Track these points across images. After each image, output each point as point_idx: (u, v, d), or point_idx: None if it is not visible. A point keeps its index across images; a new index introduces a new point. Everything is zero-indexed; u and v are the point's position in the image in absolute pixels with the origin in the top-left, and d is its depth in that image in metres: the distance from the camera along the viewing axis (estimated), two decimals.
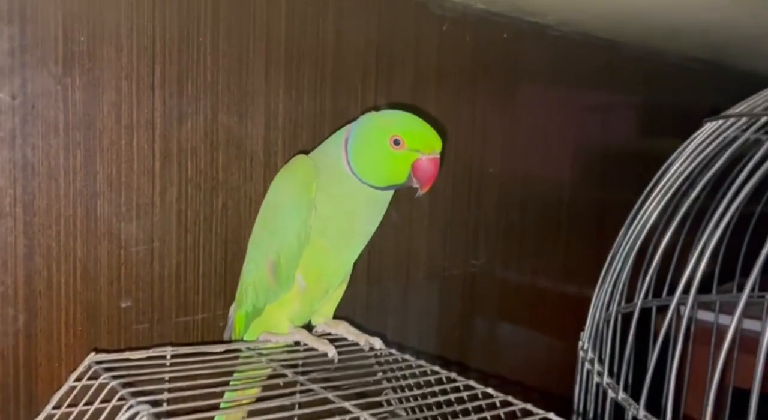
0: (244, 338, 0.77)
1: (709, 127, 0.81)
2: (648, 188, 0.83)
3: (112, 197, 0.73)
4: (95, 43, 0.70)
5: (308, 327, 0.78)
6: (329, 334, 0.78)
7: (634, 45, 1.40)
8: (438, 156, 0.68)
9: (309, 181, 0.70)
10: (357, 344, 0.75)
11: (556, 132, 1.30)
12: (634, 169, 1.33)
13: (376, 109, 0.72)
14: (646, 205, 0.82)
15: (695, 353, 1.15)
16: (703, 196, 0.75)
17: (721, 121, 0.79)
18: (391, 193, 0.72)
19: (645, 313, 0.93)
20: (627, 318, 0.83)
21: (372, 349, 0.74)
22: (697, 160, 0.78)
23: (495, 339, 1.23)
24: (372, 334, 0.77)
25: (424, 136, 0.68)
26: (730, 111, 0.80)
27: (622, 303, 0.86)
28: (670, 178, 0.80)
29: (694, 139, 0.83)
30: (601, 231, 1.35)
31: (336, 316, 0.80)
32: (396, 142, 0.67)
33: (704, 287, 1.14)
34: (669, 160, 0.83)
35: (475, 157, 1.15)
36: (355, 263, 0.78)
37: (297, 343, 0.73)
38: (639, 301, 0.77)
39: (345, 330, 0.77)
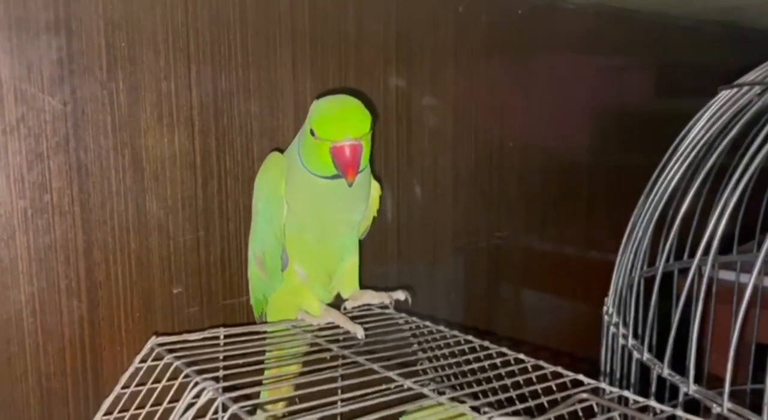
0: (268, 320, 0.81)
1: (724, 94, 0.84)
2: (666, 155, 0.85)
3: (159, 192, 0.78)
4: (135, 48, 0.74)
5: (336, 306, 0.82)
6: (360, 306, 0.80)
7: (648, 12, 1.41)
8: (349, 142, 0.64)
9: (278, 178, 0.71)
10: (393, 318, 0.80)
11: (573, 104, 1.33)
12: (651, 136, 1.35)
13: (318, 96, 0.72)
14: (666, 171, 0.85)
15: (717, 312, 1.18)
16: (721, 160, 0.78)
17: (735, 90, 0.81)
18: (360, 180, 0.69)
19: (668, 276, 0.97)
20: (650, 282, 0.86)
21: (407, 321, 0.79)
22: (714, 127, 0.81)
23: (521, 307, 1.27)
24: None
25: (332, 122, 0.65)
26: (744, 79, 0.82)
27: (645, 267, 0.89)
28: (688, 146, 0.83)
29: (710, 106, 0.85)
30: (621, 198, 1.37)
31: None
32: (312, 133, 0.66)
33: (725, 248, 1.17)
34: (686, 128, 0.86)
35: (495, 133, 1.18)
36: (362, 242, 0.81)
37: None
38: (661, 265, 0.80)
39: (370, 297, 0.78)
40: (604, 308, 0.93)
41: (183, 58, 0.78)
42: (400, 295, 0.77)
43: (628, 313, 0.89)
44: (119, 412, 0.67)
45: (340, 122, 0.65)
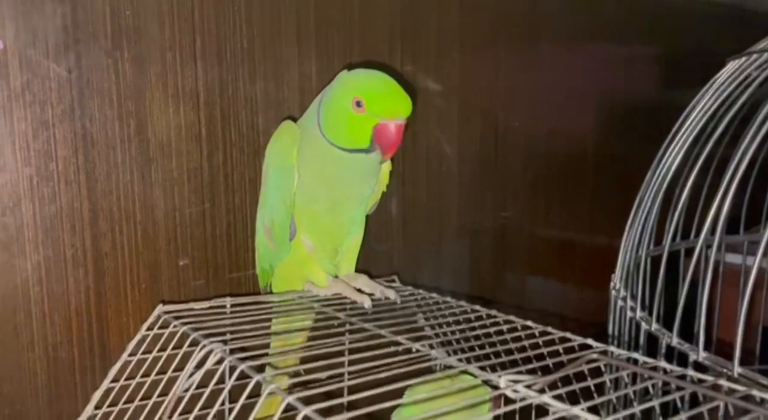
0: (273, 290, 0.81)
1: (731, 65, 0.83)
2: (674, 129, 0.85)
3: (164, 163, 0.78)
4: (140, 18, 0.74)
5: None
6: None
7: None
8: (402, 122, 0.64)
9: (289, 147, 0.70)
10: (399, 289, 0.80)
11: (579, 83, 1.32)
12: (658, 117, 1.34)
13: (350, 67, 0.71)
14: (672, 145, 0.84)
15: (724, 295, 1.17)
16: (730, 135, 0.77)
17: (743, 59, 0.80)
18: (369, 157, 0.69)
19: (675, 253, 0.97)
20: (657, 259, 0.85)
21: (413, 293, 0.79)
22: (721, 99, 0.80)
23: (526, 288, 1.27)
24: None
25: (388, 99, 0.64)
26: (753, 48, 0.82)
27: (651, 245, 0.89)
28: (694, 119, 0.82)
29: (718, 78, 0.85)
30: (628, 178, 1.37)
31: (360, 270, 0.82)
32: (358, 104, 0.64)
33: (733, 232, 1.16)
34: (693, 101, 0.85)
35: (500, 112, 1.18)
36: (367, 220, 0.80)
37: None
38: (667, 245, 0.80)
39: (363, 283, 0.77)
40: (611, 283, 0.93)
41: (188, 29, 0.77)
42: (391, 294, 0.75)
43: (635, 287, 0.88)
44: (126, 379, 0.67)
45: (395, 101, 0.64)
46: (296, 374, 0.61)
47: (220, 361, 0.55)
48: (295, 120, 0.75)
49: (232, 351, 0.57)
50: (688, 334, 0.78)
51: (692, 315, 0.73)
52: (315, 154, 0.70)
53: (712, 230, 0.70)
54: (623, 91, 1.44)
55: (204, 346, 0.58)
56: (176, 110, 0.78)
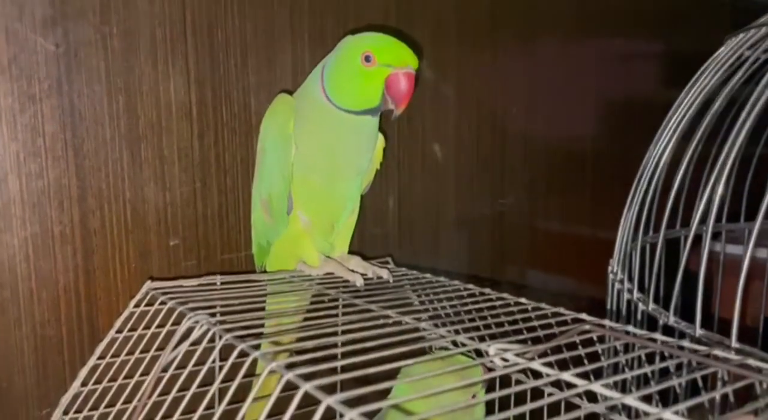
0: (268, 270, 0.80)
1: (729, 43, 0.82)
2: (670, 112, 0.84)
3: (154, 141, 0.77)
4: None
5: None
6: None
7: None
8: (412, 71, 0.66)
9: (285, 119, 0.70)
10: (392, 270, 0.79)
11: (579, 74, 1.31)
12: (658, 109, 1.33)
13: (353, 32, 0.71)
14: (666, 130, 0.84)
15: (725, 286, 1.16)
16: (726, 119, 0.76)
17: (741, 35, 0.79)
18: (373, 122, 0.71)
19: (676, 241, 0.96)
20: (656, 244, 0.84)
21: (405, 274, 0.78)
22: (716, 78, 0.79)
23: (525, 274, 1.25)
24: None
25: (396, 50, 0.66)
26: (751, 25, 0.81)
27: (651, 230, 0.88)
28: (687, 102, 0.82)
29: (716, 57, 0.84)
30: (627, 163, 1.35)
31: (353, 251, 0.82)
32: (367, 59, 0.65)
33: (735, 221, 1.15)
34: (690, 82, 0.84)
35: (498, 100, 1.17)
36: (362, 201, 0.79)
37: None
38: (662, 233, 0.79)
39: (356, 264, 0.77)
40: (609, 268, 0.91)
41: (178, 5, 0.77)
42: (384, 273, 0.75)
43: (632, 272, 0.87)
44: (112, 356, 0.66)
45: (404, 50, 0.66)
46: (291, 352, 0.60)
47: (206, 335, 0.55)
48: (290, 94, 0.74)
49: (220, 323, 0.56)
50: (686, 319, 0.77)
51: (693, 303, 0.72)
52: (316, 121, 0.70)
53: (711, 216, 0.70)
54: (624, 84, 1.43)
55: (189, 318, 0.57)
56: (166, 88, 0.77)
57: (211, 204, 0.82)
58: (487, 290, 0.70)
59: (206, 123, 0.81)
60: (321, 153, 0.71)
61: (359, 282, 0.72)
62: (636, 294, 0.82)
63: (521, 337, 0.54)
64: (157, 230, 0.78)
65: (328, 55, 0.71)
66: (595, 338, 0.55)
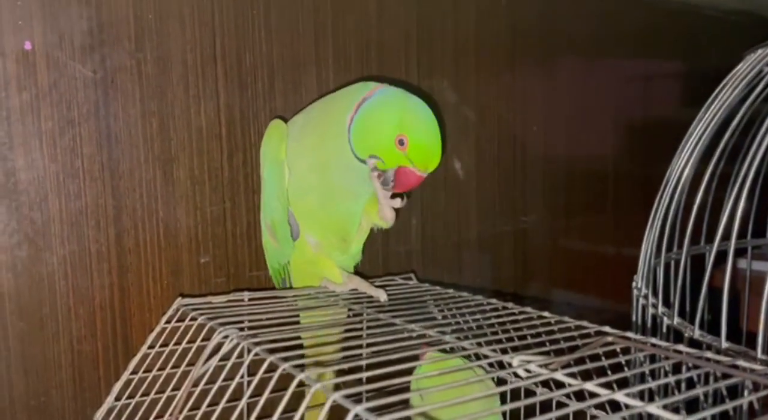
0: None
1: (748, 59, 0.83)
2: (689, 130, 0.85)
3: (185, 162, 0.79)
4: (162, 20, 0.76)
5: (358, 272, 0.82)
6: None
7: (672, 1, 1.40)
8: (424, 174, 0.67)
9: (277, 143, 0.72)
10: (416, 287, 0.80)
11: (598, 91, 1.32)
12: (680, 127, 1.34)
13: (379, 79, 0.72)
14: (686, 146, 0.84)
15: (752, 303, 1.15)
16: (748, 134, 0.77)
17: (759, 51, 0.80)
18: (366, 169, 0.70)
19: (701, 257, 0.95)
20: (679, 260, 0.84)
21: (428, 289, 0.79)
22: (736, 92, 0.80)
23: (548, 291, 1.25)
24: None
25: (429, 154, 0.66)
26: None
27: (674, 248, 0.88)
28: (707, 118, 0.82)
29: (735, 73, 0.84)
30: (650, 181, 1.35)
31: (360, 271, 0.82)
32: (401, 142, 0.66)
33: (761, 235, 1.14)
34: (710, 99, 0.85)
35: (518, 118, 1.18)
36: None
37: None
38: (686, 247, 0.79)
39: (357, 283, 0.77)
40: (633, 283, 0.92)
41: (208, 31, 0.80)
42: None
43: (657, 287, 0.87)
44: (145, 371, 0.68)
45: (434, 157, 0.67)
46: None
47: (236, 349, 0.56)
48: (285, 121, 0.76)
49: (249, 337, 0.58)
50: (713, 333, 0.76)
51: (717, 321, 0.72)
52: (313, 146, 0.71)
53: (734, 230, 0.70)
54: (643, 102, 1.43)
55: (219, 332, 0.59)
56: (197, 110, 0.80)
57: (239, 222, 0.84)
58: (509, 304, 0.71)
59: (235, 144, 0.83)
60: (314, 174, 0.71)
61: (383, 297, 0.74)
62: (661, 308, 0.82)
63: (544, 349, 0.54)
64: (189, 248, 0.80)
65: (357, 92, 0.70)
66: (618, 350, 0.56)
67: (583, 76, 1.28)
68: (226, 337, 0.58)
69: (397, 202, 0.72)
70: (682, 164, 0.83)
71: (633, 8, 1.35)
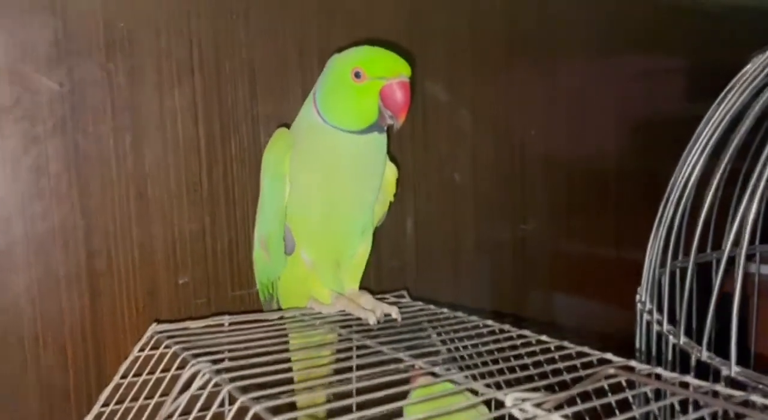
0: (282, 306, 0.77)
1: (756, 60, 0.79)
2: (695, 136, 0.81)
3: (161, 177, 0.75)
4: (133, 29, 0.72)
5: None
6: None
7: None
8: (406, 80, 0.63)
9: (281, 154, 0.68)
10: (408, 305, 0.76)
11: (599, 93, 1.28)
12: (683, 126, 1.29)
13: (339, 50, 0.69)
14: (693, 151, 0.80)
15: (762, 309, 1.11)
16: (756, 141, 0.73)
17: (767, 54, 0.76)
18: (376, 141, 0.68)
19: (707, 265, 0.92)
20: (686, 270, 0.81)
21: (422, 309, 0.75)
22: (744, 95, 0.76)
23: (549, 302, 1.21)
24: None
25: (386, 60, 0.63)
26: None
27: (679, 256, 0.84)
28: (713, 123, 0.78)
29: (742, 75, 0.80)
30: (653, 187, 1.31)
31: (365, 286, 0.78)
32: (357, 75, 0.63)
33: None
34: (717, 100, 0.81)
35: (516, 121, 1.14)
36: (375, 234, 0.77)
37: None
38: (693, 255, 0.75)
39: (365, 301, 0.73)
40: (637, 297, 0.87)
41: (184, 38, 0.76)
42: (393, 311, 0.71)
43: (662, 301, 0.83)
44: (117, 402, 0.64)
45: (392, 59, 0.63)
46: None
47: (208, 384, 0.52)
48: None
49: (222, 371, 0.54)
50: (721, 348, 0.73)
51: (726, 329, 0.69)
52: (313, 146, 0.67)
53: (744, 236, 0.66)
54: (645, 101, 1.39)
55: (192, 365, 0.55)
56: (174, 123, 0.76)
57: (221, 239, 0.80)
58: (506, 326, 0.67)
59: (215, 157, 0.79)
60: (319, 185, 0.68)
61: (371, 320, 0.69)
62: (666, 326, 0.77)
63: (543, 382, 0.50)
64: (166, 268, 0.76)
65: (317, 81, 0.69)
66: (623, 383, 0.51)
67: (585, 76, 1.24)
68: (199, 370, 0.54)
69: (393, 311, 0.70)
70: (690, 168, 0.79)
71: (635, 3, 1.31)
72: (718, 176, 0.73)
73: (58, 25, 0.68)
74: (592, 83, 1.26)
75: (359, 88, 0.63)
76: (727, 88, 0.82)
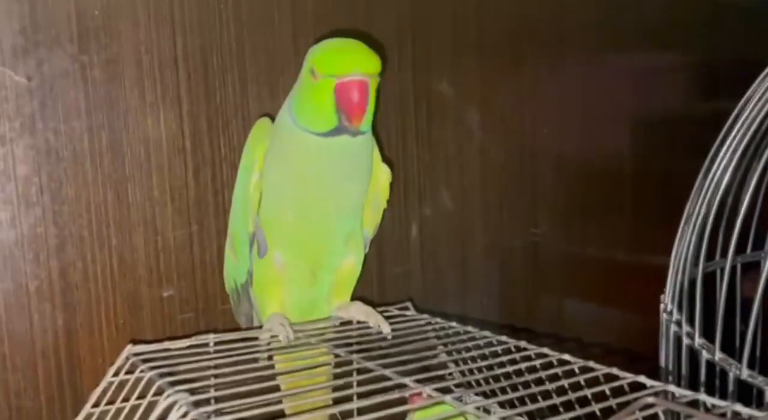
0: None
1: None
2: (720, 136, 0.75)
3: (142, 181, 0.69)
4: (110, 18, 0.66)
5: None
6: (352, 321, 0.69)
7: None
8: (361, 77, 0.56)
9: (253, 144, 0.64)
10: (413, 319, 0.69)
11: (611, 87, 1.21)
12: (700, 125, 1.23)
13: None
14: (721, 154, 0.74)
15: None
16: None
17: None
18: (352, 144, 0.61)
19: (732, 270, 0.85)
20: (709, 277, 0.74)
21: (430, 323, 0.68)
22: None
23: (564, 311, 1.15)
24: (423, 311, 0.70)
25: (336, 56, 0.57)
26: None
27: (700, 259, 0.78)
28: (742, 124, 0.72)
29: (764, 79, 0.74)
30: (672, 188, 1.25)
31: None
32: (312, 73, 0.58)
33: None
34: (740, 104, 0.75)
35: (527, 119, 1.08)
36: (377, 237, 0.71)
37: (346, 322, 0.67)
38: (730, 257, 0.69)
39: (356, 311, 0.68)
40: (662, 306, 0.81)
41: (167, 28, 0.69)
42: (385, 327, 0.65)
43: (693, 310, 0.77)
44: None
45: (346, 54, 0.57)
46: None
47: (185, 417, 0.45)
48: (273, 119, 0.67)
49: (202, 403, 0.47)
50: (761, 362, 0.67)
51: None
52: (285, 146, 0.62)
53: None
54: (660, 98, 1.32)
55: (168, 395, 0.48)
56: (156, 120, 0.70)
57: (209, 248, 0.74)
58: (523, 343, 0.60)
59: (202, 158, 0.73)
60: (290, 183, 0.62)
61: (283, 337, 0.61)
62: (698, 340, 0.71)
63: (570, 415, 0.43)
64: (148, 280, 0.70)
65: None
66: (661, 415, 0.45)
67: (599, 71, 1.17)
68: (175, 402, 0.47)
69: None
70: (721, 169, 0.72)
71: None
72: (756, 177, 0.67)
73: (24, 12, 0.62)
74: (607, 80, 1.20)
75: (315, 87, 0.58)
76: (758, 80, 0.76)
